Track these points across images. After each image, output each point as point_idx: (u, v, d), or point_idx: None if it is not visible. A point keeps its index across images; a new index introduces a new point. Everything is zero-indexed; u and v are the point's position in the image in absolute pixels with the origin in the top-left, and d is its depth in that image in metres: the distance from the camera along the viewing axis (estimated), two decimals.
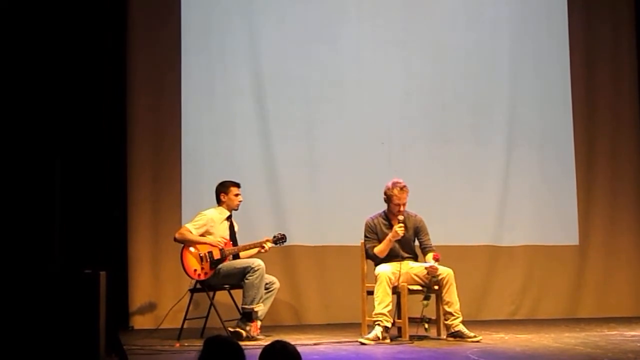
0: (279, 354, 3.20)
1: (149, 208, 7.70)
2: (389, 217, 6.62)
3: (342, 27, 8.30)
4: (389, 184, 6.55)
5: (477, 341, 6.19)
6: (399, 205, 6.49)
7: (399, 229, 6.45)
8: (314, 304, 7.96)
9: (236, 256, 6.77)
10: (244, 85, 8.02)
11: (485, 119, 8.53)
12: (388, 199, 6.55)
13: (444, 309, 6.35)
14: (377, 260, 6.56)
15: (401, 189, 6.51)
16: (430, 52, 8.46)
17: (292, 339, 6.07)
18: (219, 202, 6.83)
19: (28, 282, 5.58)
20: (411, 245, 6.66)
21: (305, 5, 8.27)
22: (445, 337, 6.37)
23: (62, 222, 7.22)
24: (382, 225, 6.62)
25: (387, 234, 6.53)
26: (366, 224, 6.67)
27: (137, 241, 7.63)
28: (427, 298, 6.39)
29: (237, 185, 6.87)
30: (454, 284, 6.34)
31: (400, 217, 6.49)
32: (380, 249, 6.54)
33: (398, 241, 6.52)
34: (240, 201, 6.85)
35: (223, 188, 6.85)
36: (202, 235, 6.66)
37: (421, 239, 6.65)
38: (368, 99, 8.25)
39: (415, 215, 6.68)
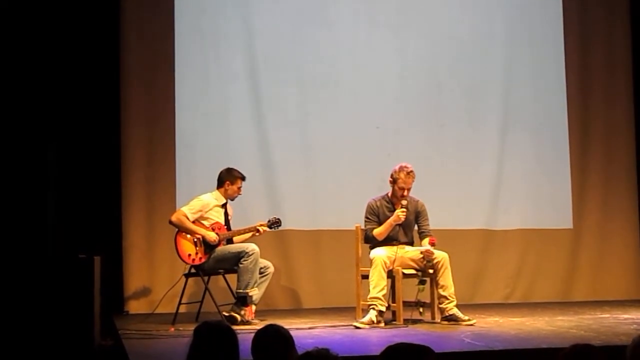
0: (272, 338, 3.21)
1: (143, 192, 7.67)
2: (392, 201, 6.61)
3: (337, 10, 8.25)
4: (397, 167, 6.53)
5: (471, 324, 6.21)
6: (403, 189, 6.48)
7: (401, 213, 6.44)
8: (309, 288, 7.95)
9: (230, 241, 6.76)
10: (238, 69, 7.98)
11: (480, 102, 8.51)
12: (394, 181, 6.53)
13: (438, 292, 6.37)
14: (374, 243, 6.57)
15: (408, 173, 6.49)
16: (425, 35, 8.42)
17: (287, 323, 6.05)
18: (221, 186, 6.80)
19: (23, 267, 5.59)
20: (412, 229, 6.66)
21: None
22: (439, 320, 6.39)
23: (57, 208, 7.22)
24: (384, 207, 6.61)
25: (388, 217, 6.52)
26: (368, 205, 6.66)
27: (132, 226, 7.60)
28: (422, 282, 6.40)
29: (244, 178, 6.85)
30: (449, 268, 6.35)
31: (404, 202, 6.49)
32: (379, 232, 6.53)
33: (400, 225, 6.53)
34: (239, 194, 6.84)
35: (231, 177, 6.78)
36: (197, 219, 6.66)
37: (420, 223, 6.65)
38: (363, 83, 8.21)
39: (417, 200, 6.68)
